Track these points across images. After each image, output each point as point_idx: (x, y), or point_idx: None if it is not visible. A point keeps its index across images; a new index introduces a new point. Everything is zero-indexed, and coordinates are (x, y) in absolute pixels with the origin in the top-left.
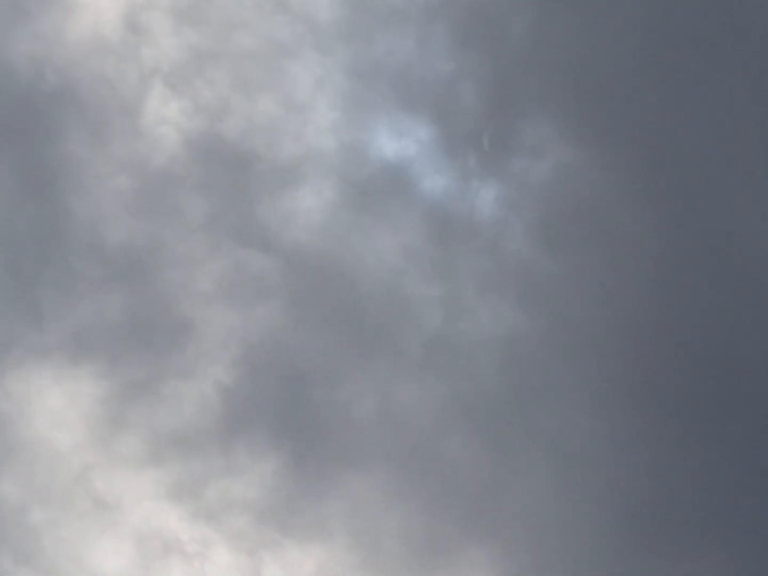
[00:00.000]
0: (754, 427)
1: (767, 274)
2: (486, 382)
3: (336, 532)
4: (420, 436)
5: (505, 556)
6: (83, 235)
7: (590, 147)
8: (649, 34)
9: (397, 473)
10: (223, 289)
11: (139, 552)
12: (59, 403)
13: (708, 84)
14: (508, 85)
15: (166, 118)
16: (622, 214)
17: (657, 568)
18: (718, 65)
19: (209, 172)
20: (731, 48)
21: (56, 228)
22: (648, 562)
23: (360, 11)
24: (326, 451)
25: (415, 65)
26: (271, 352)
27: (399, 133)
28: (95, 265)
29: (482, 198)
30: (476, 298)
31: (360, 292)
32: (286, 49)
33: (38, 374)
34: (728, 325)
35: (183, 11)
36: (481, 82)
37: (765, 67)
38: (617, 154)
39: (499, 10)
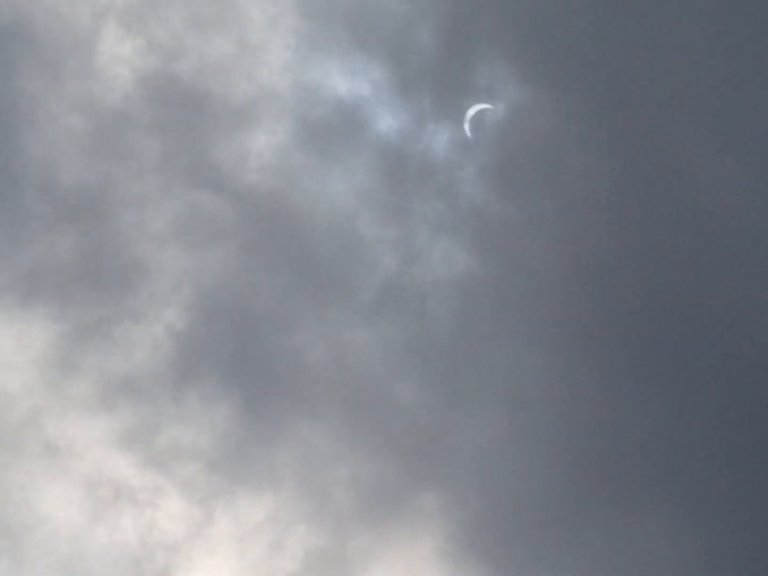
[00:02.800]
0: (708, 372)
1: (721, 215)
2: (439, 325)
3: (287, 480)
4: (372, 381)
5: (457, 503)
6: (35, 174)
7: (545, 88)
8: None
9: (348, 419)
10: (176, 230)
11: (90, 499)
12: (9, 345)
13: (663, 26)
14: (462, 25)
15: (120, 57)
16: (576, 156)
17: (606, 513)
18: (675, 8)
19: (163, 112)
20: None
21: (7, 167)
22: (597, 507)
23: None
24: (278, 398)
25: (369, 5)
26: (223, 297)
27: (353, 73)
28: (47, 205)
29: (436, 140)
30: (429, 242)
31: (313, 235)
32: None
33: None
34: (683, 267)
35: None
36: (436, 23)
37: (719, 14)
38: (572, 95)
39: None
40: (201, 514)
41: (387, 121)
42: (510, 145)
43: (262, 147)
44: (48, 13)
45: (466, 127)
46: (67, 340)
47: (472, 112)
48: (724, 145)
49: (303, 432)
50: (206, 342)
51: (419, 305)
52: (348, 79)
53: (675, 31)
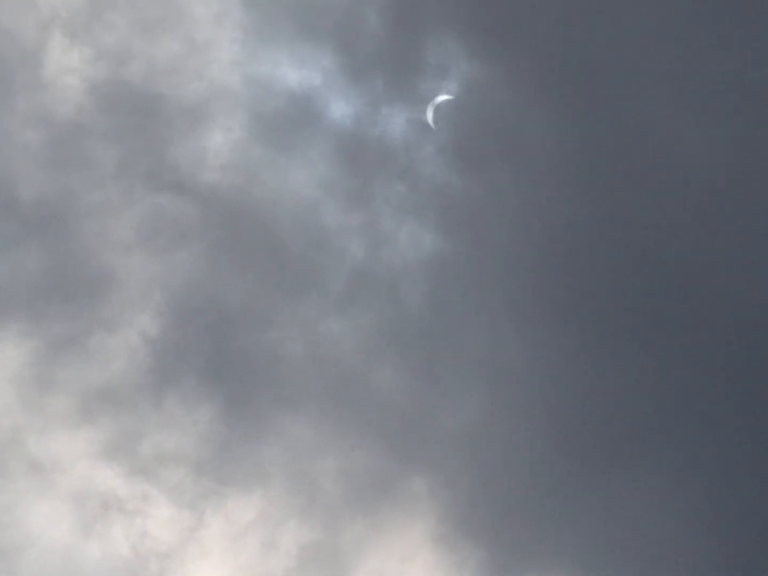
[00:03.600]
0: (686, 331)
1: (683, 173)
2: (412, 308)
3: (275, 477)
4: (351, 369)
5: (446, 484)
6: None
7: (497, 62)
8: None
9: (331, 410)
10: (141, 236)
11: (79, 513)
12: None
13: None
14: (409, 6)
15: (69, 67)
16: (534, 127)
17: (596, 480)
18: None
19: (116, 118)
20: None
21: None
22: (587, 475)
23: None
24: (259, 395)
25: None
26: (195, 298)
27: (302, 63)
28: (9, 221)
29: (392, 123)
30: (395, 225)
31: (279, 229)
32: None
33: None
34: (649, 233)
35: None
36: (382, 5)
37: None
38: (525, 67)
39: None
40: (191, 518)
41: (341, 108)
42: (467, 121)
43: (219, 145)
44: None
45: (430, 118)
46: (42, 356)
47: (434, 104)
48: (680, 105)
49: (287, 427)
50: (182, 345)
51: (391, 289)
52: (298, 70)
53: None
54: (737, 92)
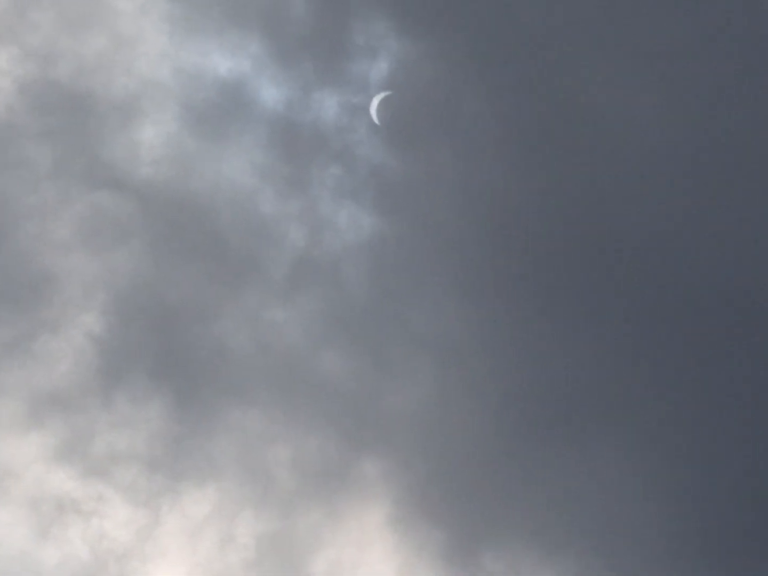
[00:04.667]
0: (635, 300)
1: (623, 140)
2: (356, 291)
3: (228, 469)
4: (298, 357)
5: (401, 466)
6: None
7: (428, 40)
8: None
9: (280, 399)
10: (81, 235)
11: (35, 517)
12: None
13: None
14: None
15: None
16: (468, 103)
17: (550, 455)
18: None
19: (48, 118)
20: None
21: None
22: (541, 451)
23: None
24: (208, 388)
25: None
26: (138, 295)
27: (231, 51)
28: None
29: (325, 106)
30: (334, 209)
31: (218, 220)
32: None
33: None
34: (591, 205)
35: None
36: None
37: None
38: (457, 44)
39: None
40: (147, 516)
41: (273, 94)
42: (399, 101)
43: (152, 139)
44: None
45: (373, 115)
46: None
47: (377, 100)
48: (619, 75)
49: (237, 418)
50: (128, 343)
51: (333, 274)
52: (227, 58)
53: None
54: (676, 58)
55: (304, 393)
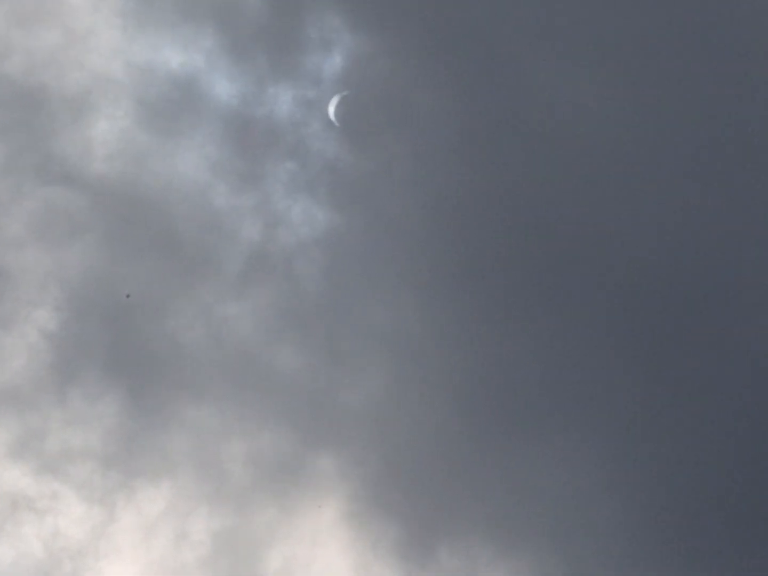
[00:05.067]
0: (591, 302)
1: (577, 144)
2: (310, 286)
3: (183, 465)
4: (252, 352)
5: (355, 462)
6: None
7: (380, 35)
8: None
9: (234, 394)
10: (34, 231)
11: None
12: None
13: None
14: None
15: None
16: (422, 97)
17: (504, 449)
18: None
19: (0, 113)
20: None
21: None
22: (495, 445)
23: None
24: (161, 384)
25: None
26: (91, 291)
27: (184, 46)
28: None
29: (279, 101)
30: (288, 204)
31: (171, 215)
32: None
33: None
34: (543, 196)
35: None
36: None
37: None
38: (411, 37)
39: None
40: (102, 513)
41: (226, 89)
42: (353, 95)
43: (105, 134)
44: None
45: (332, 116)
46: None
47: (335, 101)
48: (571, 65)
49: (191, 414)
50: (81, 339)
51: (287, 269)
52: (180, 53)
53: None
54: (627, 50)
55: (258, 388)
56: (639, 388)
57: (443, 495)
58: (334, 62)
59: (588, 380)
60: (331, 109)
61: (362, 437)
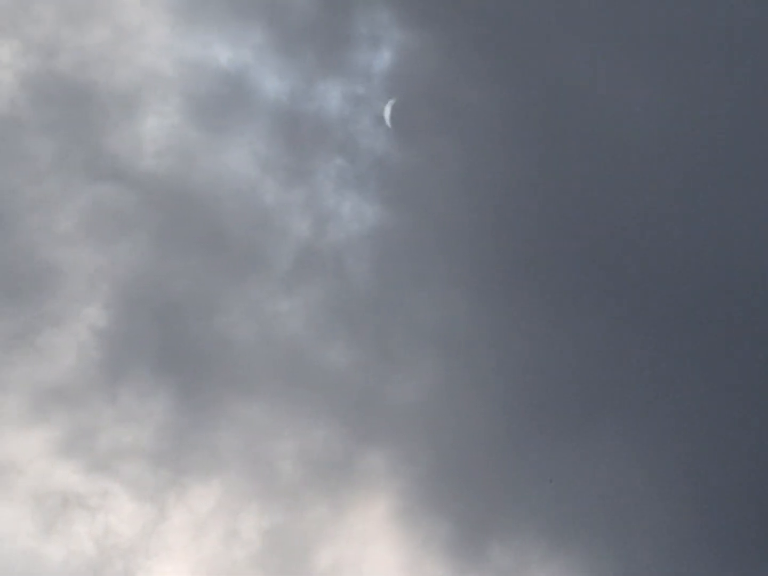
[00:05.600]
0: (639, 297)
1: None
2: (359, 282)
3: (233, 463)
4: (302, 348)
5: (405, 457)
6: None
7: (428, 31)
8: None
9: (285, 391)
10: (84, 227)
11: (40, 512)
12: None
13: None
14: None
15: (0, 62)
16: (468, 94)
17: (555, 444)
18: None
19: (51, 110)
20: None
21: None
22: (546, 440)
23: None
24: (212, 381)
25: None
26: (141, 288)
27: (233, 42)
28: None
29: (328, 97)
30: (337, 200)
31: (221, 212)
32: None
33: None
34: (594, 194)
35: None
36: None
37: None
38: (459, 33)
39: None
40: (153, 510)
41: (275, 85)
42: (402, 91)
43: (154, 130)
44: None
45: (387, 121)
46: None
47: (388, 107)
48: (619, 62)
49: (242, 411)
50: (132, 337)
51: (337, 265)
52: (229, 49)
53: None
54: (681, 51)
55: (309, 385)
56: (693, 382)
57: (494, 492)
58: (383, 58)
59: (640, 375)
60: (387, 113)
61: (413, 434)
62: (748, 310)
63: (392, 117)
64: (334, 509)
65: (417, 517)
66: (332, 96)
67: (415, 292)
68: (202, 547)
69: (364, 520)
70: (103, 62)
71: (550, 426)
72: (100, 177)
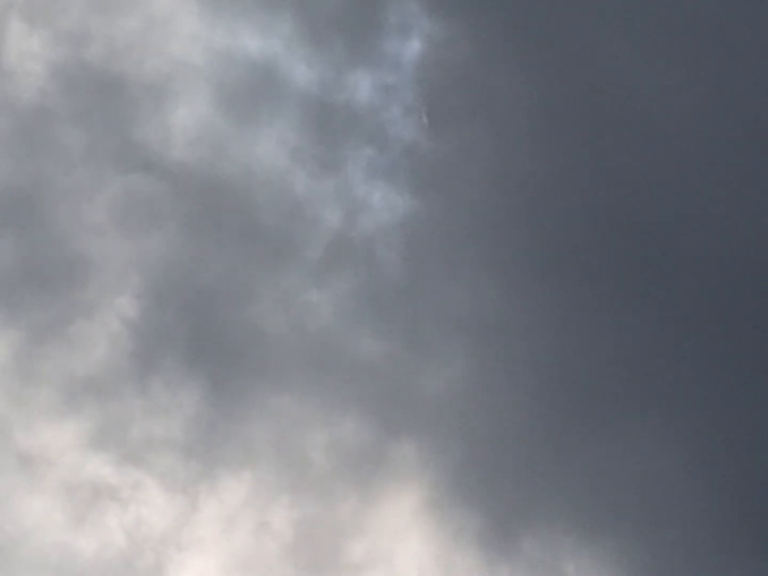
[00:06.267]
0: (675, 285)
1: (656, 120)
2: (391, 272)
3: (264, 454)
4: (334, 339)
5: (437, 448)
6: None
7: (458, 19)
8: None
9: (316, 382)
10: (115, 218)
11: (72, 503)
12: None
13: None
14: None
15: (29, 53)
16: (499, 83)
17: (590, 435)
18: None
19: (81, 100)
20: None
21: None
22: (580, 432)
23: None
24: (243, 372)
25: None
26: (173, 278)
27: (262, 32)
28: None
29: (357, 86)
30: (368, 190)
31: (251, 202)
32: None
33: None
34: (629, 180)
35: None
36: None
37: None
38: (490, 21)
39: None
40: (185, 502)
41: (305, 75)
42: (433, 80)
43: (184, 121)
44: None
45: (425, 119)
46: (22, 346)
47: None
48: (654, 51)
49: (273, 402)
50: (163, 327)
51: (368, 255)
52: (259, 38)
53: None
54: (716, 38)
55: (340, 375)
56: (729, 371)
57: (525, 483)
58: (412, 47)
59: (676, 364)
60: (422, 113)
61: (444, 425)
62: None
63: (429, 114)
64: (365, 500)
65: (448, 508)
66: (362, 85)
67: (447, 282)
68: (233, 538)
69: (395, 512)
70: (133, 52)
71: (583, 417)
72: (130, 168)
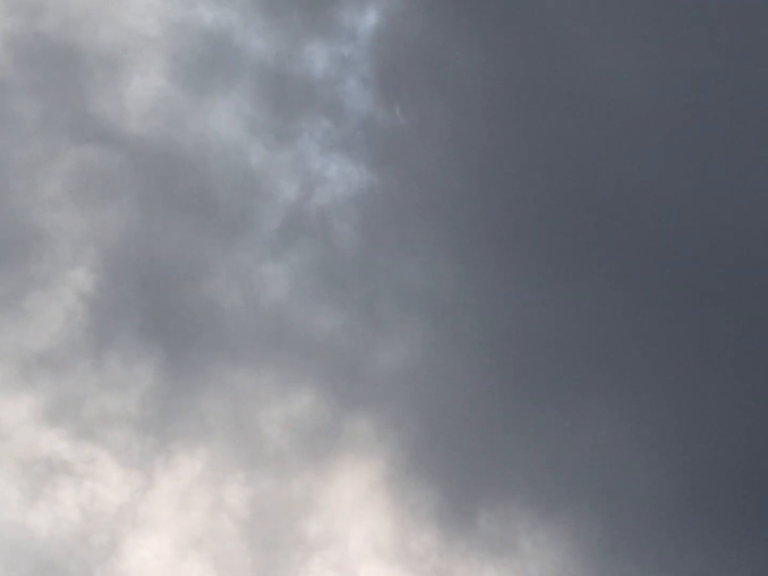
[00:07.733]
0: (631, 262)
1: (619, 108)
2: (347, 246)
3: (220, 429)
4: (289, 313)
5: (394, 424)
6: None
7: None
8: None
9: (272, 356)
10: (70, 190)
11: (27, 478)
12: None
13: None
14: None
15: None
16: (456, 56)
17: (543, 412)
18: None
19: (35, 71)
20: None
21: None
22: (534, 407)
23: None
24: (198, 347)
25: None
26: (128, 252)
27: (218, 3)
28: None
29: (313, 57)
30: (324, 162)
31: (207, 175)
32: None
33: None
34: (585, 156)
35: None
36: None
37: None
38: None
39: None
40: (140, 477)
41: (260, 46)
42: (390, 53)
43: (139, 92)
44: None
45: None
46: None
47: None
48: (612, 24)
49: (229, 377)
50: (118, 301)
51: (324, 229)
52: (213, 8)
53: None
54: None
55: (296, 349)
56: (685, 350)
57: (483, 459)
58: (369, 19)
59: (631, 342)
60: (398, 108)
61: (400, 400)
62: (745, 281)
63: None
64: (322, 476)
65: (405, 484)
66: (318, 57)
67: (403, 256)
68: (189, 512)
69: (351, 487)
70: (87, 23)
71: (539, 393)
72: (85, 139)
